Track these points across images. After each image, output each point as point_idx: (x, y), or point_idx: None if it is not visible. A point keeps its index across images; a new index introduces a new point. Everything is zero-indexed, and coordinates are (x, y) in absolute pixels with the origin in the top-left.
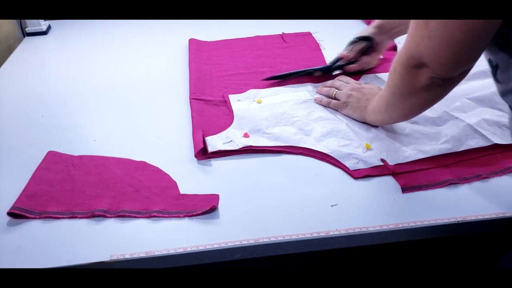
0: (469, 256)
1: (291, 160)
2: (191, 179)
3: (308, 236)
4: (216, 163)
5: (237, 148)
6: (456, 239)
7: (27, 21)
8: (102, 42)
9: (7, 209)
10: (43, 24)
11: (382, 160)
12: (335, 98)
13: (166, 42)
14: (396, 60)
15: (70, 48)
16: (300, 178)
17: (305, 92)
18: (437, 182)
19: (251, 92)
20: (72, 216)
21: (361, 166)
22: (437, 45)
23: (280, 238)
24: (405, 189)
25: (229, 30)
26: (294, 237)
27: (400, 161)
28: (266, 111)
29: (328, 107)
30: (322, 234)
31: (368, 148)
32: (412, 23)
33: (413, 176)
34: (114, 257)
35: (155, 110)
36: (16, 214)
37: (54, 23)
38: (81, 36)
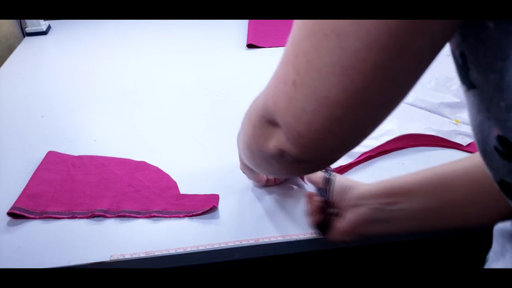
0: (469, 256)
1: None
2: (191, 179)
3: (308, 236)
4: (216, 163)
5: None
6: (456, 239)
7: (27, 21)
8: (102, 42)
9: (7, 209)
10: (43, 24)
11: None
12: None
13: (166, 42)
14: (254, 102)
15: (70, 48)
16: (300, 178)
17: None
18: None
19: None
20: (72, 216)
21: (468, 140)
22: (301, 101)
23: (280, 238)
24: None
25: (230, 30)
26: (294, 237)
27: None
28: None
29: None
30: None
31: (457, 123)
32: (284, 52)
33: None
34: (114, 257)
35: (155, 110)
36: (16, 214)
37: (54, 23)
38: (81, 36)
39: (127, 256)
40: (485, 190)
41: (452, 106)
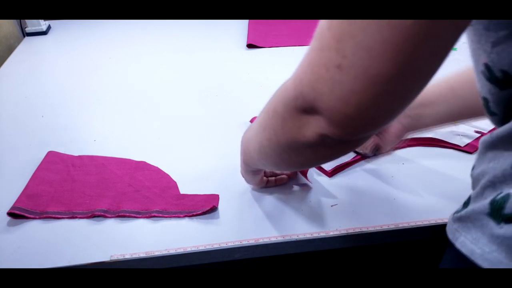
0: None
1: None
2: (191, 179)
3: (308, 236)
4: (216, 163)
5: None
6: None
7: (27, 21)
8: (102, 42)
9: (7, 209)
10: (43, 24)
11: (477, 131)
12: None
13: (166, 42)
14: (279, 95)
15: (70, 48)
16: (300, 178)
17: None
18: None
19: None
20: (72, 216)
21: (467, 140)
22: (348, 83)
23: (280, 238)
24: None
25: (230, 30)
26: (294, 237)
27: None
28: None
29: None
30: (322, 234)
31: (455, 123)
32: (314, 40)
33: None
34: (114, 257)
35: (155, 110)
36: (16, 214)
37: (54, 23)
38: (81, 36)
39: (127, 256)
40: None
41: None
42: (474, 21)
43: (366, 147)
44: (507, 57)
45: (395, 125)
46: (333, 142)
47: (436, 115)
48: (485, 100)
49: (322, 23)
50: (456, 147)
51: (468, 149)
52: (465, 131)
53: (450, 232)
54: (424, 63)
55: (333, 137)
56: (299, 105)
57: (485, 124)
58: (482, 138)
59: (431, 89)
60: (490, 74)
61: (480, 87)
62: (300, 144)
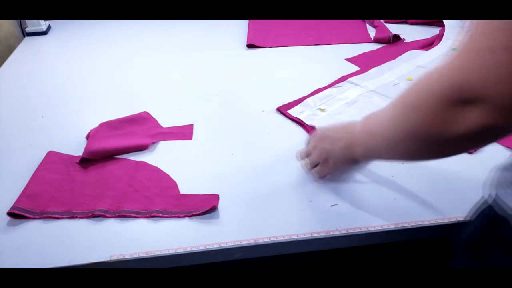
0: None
1: (291, 160)
2: (191, 179)
3: (308, 236)
4: (216, 163)
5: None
6: (456, 239)
7: (27, 21)
8: (102, 42)
9: (7, 209)
10: (43, 24)
11: None
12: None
13: (166, 42)
14: (422, 89)
15: (70, 48)
16: (300, 178)
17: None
18: None
19: (308, 101)
20: (72, 216)
21: None
22: (508, 73)
23: (280, 238)
24: None
25: (230, 30)
26: (294, 237)
27: None
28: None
29: (318, 178)
30: (322, 234)
31: None
32: (469, 39)
33: None
34: (114, 257)
35: (155, 110)
36: (16, 214)
37: (54, 23)
38: (81, 36)
39: (127, 256)
40: None
41: None
42: None
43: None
44: None
45: None
46: (496, 131)
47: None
48: None
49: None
50: None
51: None
52: None
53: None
54: None
55: (497, 126)
56: (456, 96)
57: None
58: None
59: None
60: None
61: None
62: (454, 135)
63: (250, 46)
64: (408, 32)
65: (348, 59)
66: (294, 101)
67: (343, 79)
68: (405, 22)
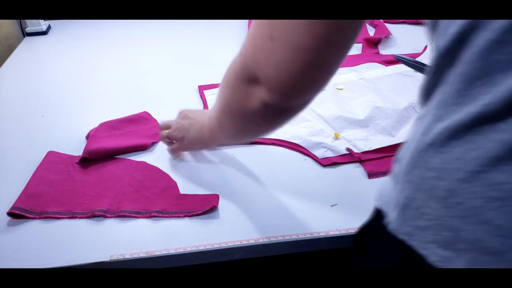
0: None
1: (292, 161)
2: (191, 179)
3: (308, 236)
4: (216, 163)
5: None
6: None
7: (27, 21)
8: (102, 42)
9: (7, 209)
10: (43, 24)
11: (348, 149)
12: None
13: (166, 42)
14: (230, 68)
15: (70, 48)
16: (300, 178)
17: None
18: None
19: None
20: (72, 216)
21: (329, 154)
22: (279, 52)
23: (280, 238)
24: (371, 175)
25: (230, 30)
26: (294, 237)
27: (367, 149)
28: None
29: (173, 155)
30: (322, 234)
31: (337, 137)
32: (252, 23)
33: (379, 162)
34: (114, 257)
35: (155, 110)
36: (16, 214)
37: (54, 23)
38: (81, 36)
39: (127, 256)
40: None
41: (351, 121)
42: None
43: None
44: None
45: None
46: (275, 110)
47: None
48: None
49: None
50: (313, 156)
51: (322, 162)
52: (339, 146)
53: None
54: (339, 36)
55: (273, 104)
56: (245, 76)
57: (363, 144)
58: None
59: None
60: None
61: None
62: (249, 113)
63: None
64: (408, 32)
65: None
66: None
67: None
68: (404, 22)
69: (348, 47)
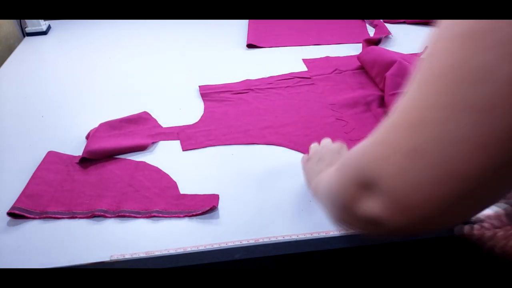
0: (469, 256)
1: (292, 160)
2: (191, 179)
3: (308, 236)
4: (216, 163)
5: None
6: (456, 239)
7: (27, 21)
8: (102, 42)
9: (7, 209)
10: (43, 24)
11: None
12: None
13: (166, 42)
14: (343, 159)
15: (70, 48)
16: (300, 178)
17: None
18: None
19: None
20: (72, 216)
21: None
22: (422, 171)
23: (280, 238)
24: None
25: (230, 30)
26: (294, 237)
27: None
28: None
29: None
30: (322, 234)
31: None
32: (393, 118)
33: None
34: (114, 257)
35: (155, 110)
36: (16, 214)
37: (54, 23)
38: (81, 36)
39: (127, 256)
40: None
41: None
42: None
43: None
44: None
45: None
46: (386, 228)
47: None
48: None
49: (401, 102)
50: None
51: None
52: None
53: None
54: None
55: (388, 224)
56: (358, 177)
57: None
58: None
59: None
60: None
61: None
62: (352, 214)
63: (250, 46)
64: (408, 32)
65: (304, 60)
66: None
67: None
68: (404, 22)
69: None
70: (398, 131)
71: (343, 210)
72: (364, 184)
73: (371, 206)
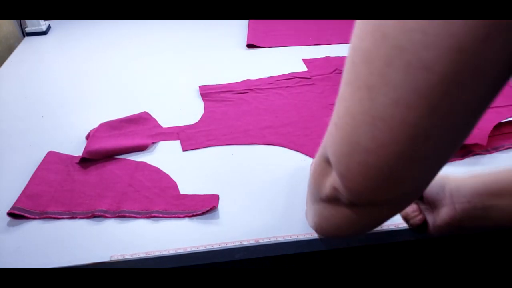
0: (469, 256)
1: (292, 161)
2: (191, 179)
3: (308, 236)
4: (216, 163)
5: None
6: (456, 239)
7: (27, 21)
8: (102, 42)
9: (7, 209)
10: (43, 24)
11: None
12: None
13: (166, 42)
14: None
15: (70, 48)
16: (300, 179)
17: None
18: None
19: None
20: (72, 216)
21: None
22: (339, 142)
23: (280, 239)
24: None
25: (230, 30)
26: (294, 237)
27: None
28: None
29: None
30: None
31: None
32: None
33: None
34: (114, 258)
35: (155, 110)
36: (16, 215)
37: (54, 23)
38: (81, 36)
39: (127, 256)
40: None
41: None
42: None
43: (409, 215)
44: None
45: (447, 209)
46: (345, 201)
47: (507, 211)
48: None
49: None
50: (314, 157)
51: None
52: None
53: None
54: (410, 148)
55: (343, 194)
56: (324, 153)
57: None
58: None
59: (504, 174)
60: None
61: None
62: (323, 196)
63: (250, 46)
64: None
65: (304, 60)
66: None
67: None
68: None
69: (428, 163)
70: (335, 108)
71: (316, 192)
72: (327, 159)
73: (332, 177)
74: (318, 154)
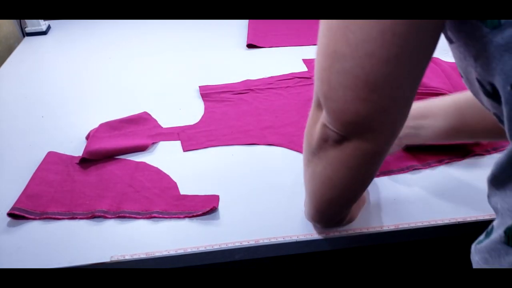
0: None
1: (292, 161)
2: (191, 179)
3: (308, 236)
4: (216, 163)
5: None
6: (455, 239)
7: (27, 21)
8: (102, 42)
9: (7, 209)
10: (43, 24)
11: None
12: None
13: (166, 42)
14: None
15: (70, 48)
16: (300, 179)
17: None
18: (402, 167)
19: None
20: (72, 217)
21: None
22: (335, 76)
23: (280, 239)
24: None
25: (230, 30)
26: (294, 238)
27: None
28: None
29: None
30: (323, 235)
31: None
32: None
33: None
34: (114, 258)
35: (155, 110)
36: (16, 215)
37: (54, 23)
38: (81, 36)
39: (127, 257)
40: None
41: None
42: (454, 39)
43: None
44: (489, 69)
45: None
46: (335, 137)
47: (436, 128)
48: (496, 115)
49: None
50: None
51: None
52: None
53: (474, 263)
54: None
55: (332, 129)
56: (316, 100)
57: None
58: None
59: (436, 102)
60: (483, 88)
61: (487, 105)
62: (314, 145)
63: (250, 46)
64: None
65: (304, 60)
66: None
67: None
68: None
69: (400, 86)
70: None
71: (308, 149)
72: (318, 103)
73: (321, 118)
74: (311, 109)
